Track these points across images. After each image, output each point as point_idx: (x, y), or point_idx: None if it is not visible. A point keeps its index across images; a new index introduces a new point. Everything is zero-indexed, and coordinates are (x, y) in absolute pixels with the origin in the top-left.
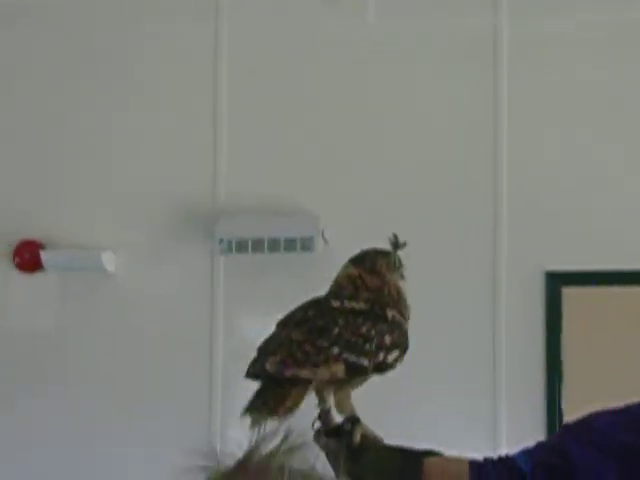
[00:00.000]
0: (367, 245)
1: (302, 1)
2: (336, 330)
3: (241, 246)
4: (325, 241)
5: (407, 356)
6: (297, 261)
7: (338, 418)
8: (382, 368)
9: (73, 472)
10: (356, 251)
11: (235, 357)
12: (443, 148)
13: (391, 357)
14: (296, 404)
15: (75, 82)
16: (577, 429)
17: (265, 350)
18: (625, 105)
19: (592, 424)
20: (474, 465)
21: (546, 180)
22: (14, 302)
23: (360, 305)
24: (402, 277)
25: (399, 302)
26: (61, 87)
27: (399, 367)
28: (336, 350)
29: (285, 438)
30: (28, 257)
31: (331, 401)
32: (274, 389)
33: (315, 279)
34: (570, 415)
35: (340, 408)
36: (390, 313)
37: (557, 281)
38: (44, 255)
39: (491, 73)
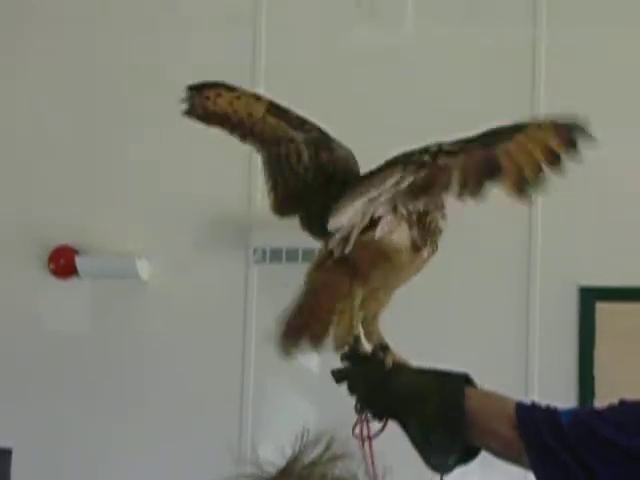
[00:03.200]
0: None
1: (340, 11)
2: None
3: (275, 256)
4: None
5: None
6: None
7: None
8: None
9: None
10: None
11: (268, 369)
12: None
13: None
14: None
15: (103, 91)
16: (634, 411)
17: None
18: None
19: None
20: (522, 407)
21: (581, 194)
22: (48, 308)
23: None
24: None
25: None
26: (91, 92)
27: None
28: None
29: (327, 447)
30: (63, 263)
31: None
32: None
33: None
34: None
35: (369, 336)
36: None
37: (591, 296)
38: (79, 261)
39: (529, 82)
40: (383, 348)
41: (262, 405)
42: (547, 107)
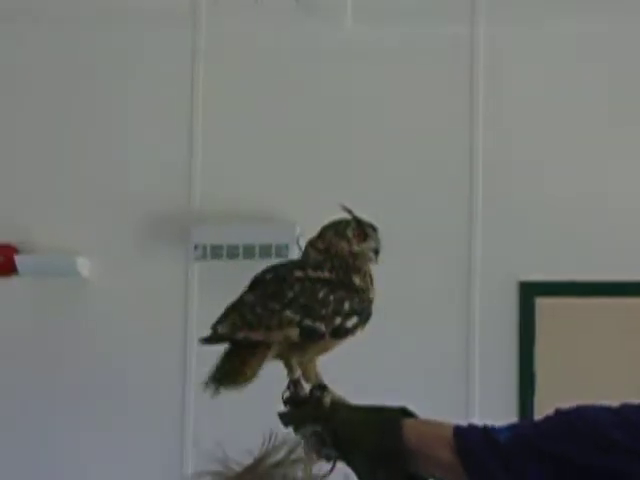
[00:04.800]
0: None
1: (280, 8)
2: (290, 294)
3: (216, 252)
4: (300, 248)
5: (380, 370)
6: None
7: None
8: (340, 334)
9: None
10: None
11: (208, 363)
12: (419, 157)
13: (350, 323)
14: (254, 372)
15: (51, 88)
16: (569, 418)
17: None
18: (600, 114)
19: (586, 417)
20: (460, 432)
21: (521, 190)
22: None
23: (325, 274)
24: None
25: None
26: (36, 93)
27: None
28: (289, 313)
29: (292, 450)
30: (3, 261)
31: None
32: (232, 358)
33: None
34: None
35: (307, 377)
36: (356, 279)
37: (531, 291)
38: (19, 259)
39: (467, 80)
40: (321, 387)
41: (204, 401)
42: (485, 106)
